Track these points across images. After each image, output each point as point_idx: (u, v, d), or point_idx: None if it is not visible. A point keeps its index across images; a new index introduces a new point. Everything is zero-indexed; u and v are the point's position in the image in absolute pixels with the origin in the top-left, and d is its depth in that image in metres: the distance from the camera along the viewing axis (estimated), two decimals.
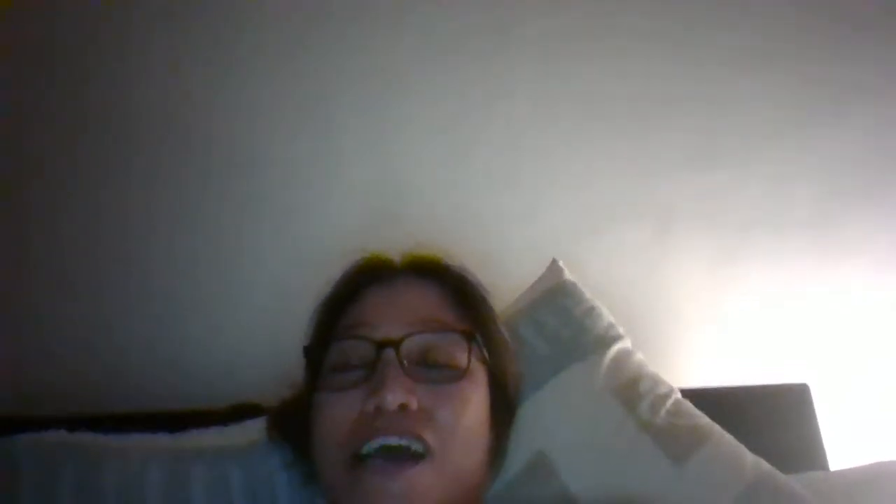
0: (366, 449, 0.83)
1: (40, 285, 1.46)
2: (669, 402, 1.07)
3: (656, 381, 1.10)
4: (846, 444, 1.34)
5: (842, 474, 1.14)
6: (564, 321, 1.13)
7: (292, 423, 0.98)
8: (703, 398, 1.11)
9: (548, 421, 1.06)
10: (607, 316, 1.15)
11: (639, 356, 1.14)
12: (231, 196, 1.49)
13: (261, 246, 1.48)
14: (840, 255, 1.47)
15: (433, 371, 0.89)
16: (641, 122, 1.50)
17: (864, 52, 1.50)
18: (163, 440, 1.09)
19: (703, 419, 1.07)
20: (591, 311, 1.14)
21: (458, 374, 0.89)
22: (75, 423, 1.10)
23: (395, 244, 1.02)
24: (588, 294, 1.16)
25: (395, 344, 0.87)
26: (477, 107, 1.51)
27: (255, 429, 1.07)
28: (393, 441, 0.83)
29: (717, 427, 1.05)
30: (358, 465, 0.83)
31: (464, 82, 1.51)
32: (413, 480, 0.82)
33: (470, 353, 0.90)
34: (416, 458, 0.83)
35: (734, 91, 1.50)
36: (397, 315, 0.91)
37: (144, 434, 1.10)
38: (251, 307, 1.45)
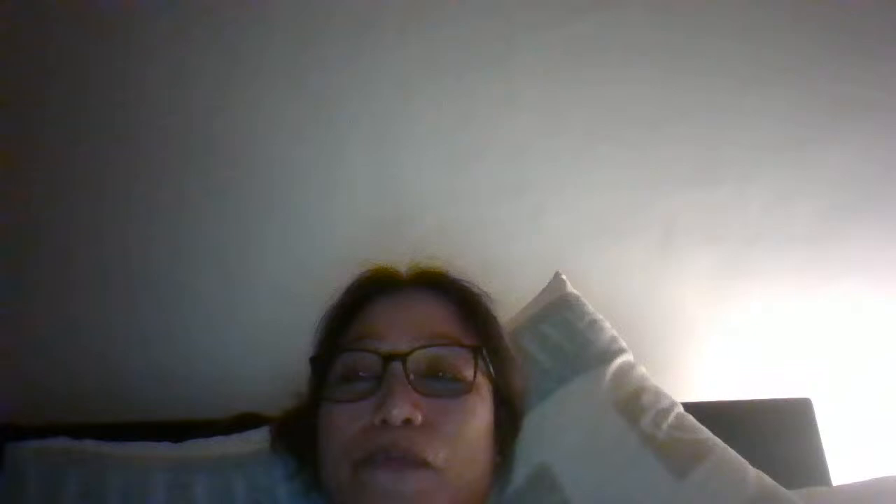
0: (371, 457, 0.84)
1: (42, 295, 1.46)
2: (672, 416, 1.07)
3: (658, 394, 1.10)
4: (848, 458, 1.34)
5: (844, 489, 1.13)
6: (567, 334, 1.13)
7: (296, 433, 0.99)
8: (706, 412, 1.11)
9: (550, 433, 1.06)
10: (610, 329, 1.16)
11: (641, 369, 1.14)
12: (234, 202, 1.49)
13: (263, 254, 1.48)
14: (842, 269, 1.48)
15: (439, 384, 0.89)
16: (645, 134, 1.50)
17: (865, 69, 1.50)
18: (166, 449, 1.09)
19: (705, 433, 1.07)
20: (593, 324, 1.15)
21: (464, 388, 0.90)
22: (79, 431, 1.11)
23: (398, 252, 1.02)
24: (591, 307, 1.17)
25: (402, 357, 0.87)
26: (482, 115, 1.51)
27: (257, 439, 1.08)
28: (398, 454, 0.84)
29: (719, 441, 1.06)
30: (364, 467, 0.84)
31: (469, 91, 1.51)
32: (421, 483, 0.83)
33: (476, 367, 0.91)
34: (424, 467, 0.84)
35: (737, 106, 1.50)
36: (404, 328, 0.92)
37: (148, 443, 1.10)
38: (254, 316, 1.45)
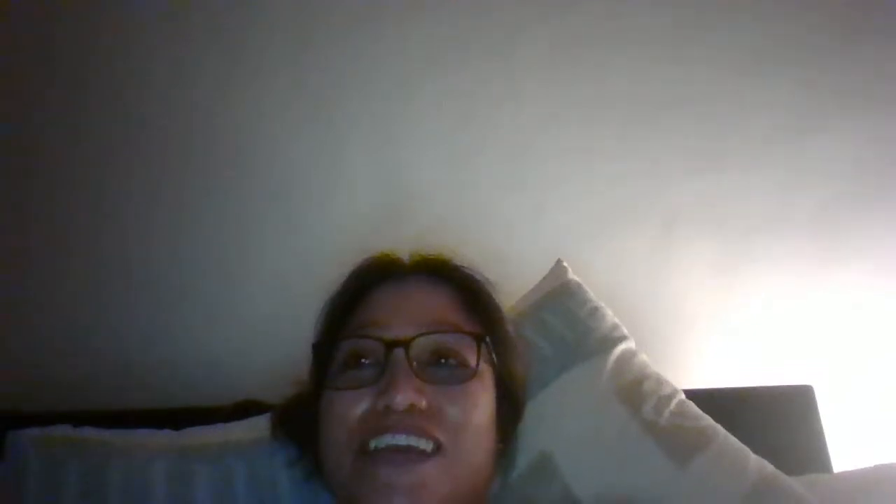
0: (374, 444, 0.84)
1: (43, 285, 1.46)
2: (673, 403, 1.07)
3: (660, 381, 1.10)
4: (850, 446, 1.34)
5: (845, 476, 1.13)
6: (568, 321, 1.13)
7: (297, 420, 0.98)
8: (707, 399, 1.11)
9: (551, 421, 1.06)
10: (611, 316, 1.16)
11: (643, 357, 1.14)
12: (234, 194, 1.49)
13: (264, 244, 1.48)
14: (843, 258, 1.48)
15: (442, 371, 0.89)
16: (646, 125, 1.51)
17: (867, 58, 1.50)
18: (167, 437, 1.09)
19: (707, 420, 1.07)
20: (594, 311, 1.15)
21: (467, 375, 0.89)
22: (80, 419, 1.11)
23: (400, 246, 1.02)
24: (592, 294, 1.17)
25: (406, 344, 0.87)
26: (483, 109, 1.52)
27: (258, 426, 1.07)
28: (401, 440, 0.84)
29: (720, 428, 1.05)
30: (366, 457, 0.84)
31: (470, 85, 1.51)
32: (422, 474, 0.83)
33: (479, 354, 0.91)
34: (426, 454, 0.84)
35: (738, 95, 1.50)
36: (407, 315, 0.92)
37: (149, 430, 1.10)
38: (255, 304, 1.45)
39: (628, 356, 1.12)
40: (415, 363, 0.87)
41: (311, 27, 1.52)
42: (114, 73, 1.51)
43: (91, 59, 1.51)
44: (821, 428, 1.25)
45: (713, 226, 1.49)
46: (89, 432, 1.08)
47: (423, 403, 0.85)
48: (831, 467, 1.22)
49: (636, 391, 1.08)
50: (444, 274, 0.99)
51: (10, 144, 1.49)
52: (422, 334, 0.89)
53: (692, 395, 1.11)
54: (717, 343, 1.47)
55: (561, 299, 1.15)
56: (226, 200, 1.49)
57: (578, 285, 1.17)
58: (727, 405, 1.14)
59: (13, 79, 1.50)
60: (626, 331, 1.15)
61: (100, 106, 1.50)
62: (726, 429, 1.06)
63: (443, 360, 0.90)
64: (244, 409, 1.14)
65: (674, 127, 1.50)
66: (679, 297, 1.47)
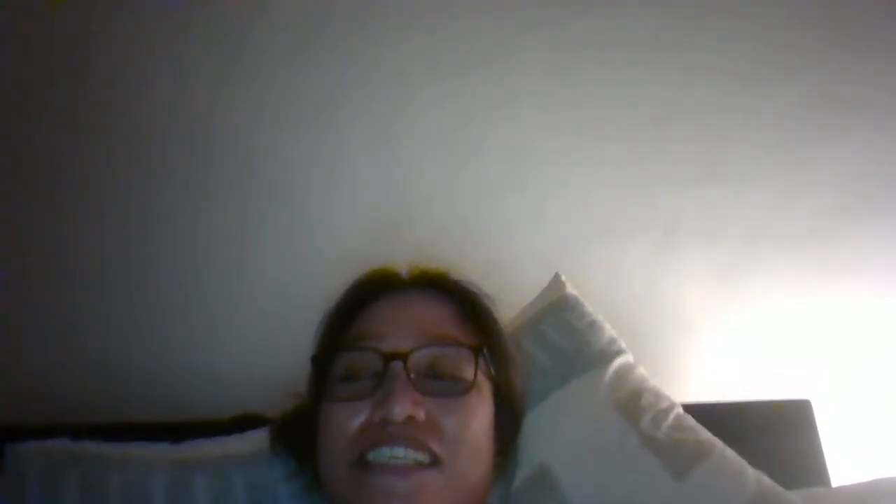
0: (371, 457, 0.84)
1: (42, 295, 1.46)
2: (671, 417, 1.08)
3: (658, 395, 1.11)
4: (847, 459, 1.34)
5: (843, 490, 1.14)
6: (567, 335, 1.13)
7: (296, 433, 0.98)
8: (705, 413, 1.11)
9: (550, 434, 1.06)
10: (609, 330, 1.16)
11: (640, 370, 1.14)
12: (234, 202, 1.49)
13: (264, 254, 1.48)
14: (843, 269, 1.48)
15: (440, 384, 0.89)
16: (646, 133, 1.50)
17: (866, 68, 1.50)
18: (166, 449, 1.09)
19: (705, 434, 1.07)
20: (593, 324, 1.15)
21: (465, 387, 0.89)
22: (79, 431, 1.10)
23: (399, 250, 1.02)
24: (590, 308, 1.17)
25: (404, 357, 0.87)
26: (483, 113, 1.51)
27: (257, 439, 1.08)
28: (399, 453, 0.83)
29: (718, 442, 1.06)
30: (364, 469, 0.84)
31: (470, 88, 1.51)
32: (421, 482, 0.83)
33: (477, 367, 0.90)
34: (424, 465, 0.84)
35: (738, 105, 1.50)
36: (406, 328, 0.91)
37: (148, 443, 1.10)
38: (254, 317, 1.45)
39: (626, 369, 1.12)
40: (412, 375, 0.87)
41: (311, 27, 1.52)
42: (114, 73, 1.50)
43: (91, 59, 1.50)
44: (819, 442, 1.25)
45: (712, 235, 1.49)
46: (88, 445, 1.08)
47: (422, 415, 0.85)
48: (829, 481, 1.23)
49: (634, 404, 1.08)
50: (442, 287, 0.99)
51: (10, 144, 1.49)
52: (420, 347, 0.89)
53: (690, 408, 1.11)
54: (715, 351, 1.47)
55: (559, 312, 1.15)
56: (225, 202, 1.49)
57: (576, 299, 1.17)
58: (725, 419, 1.14)
59: (13, 79, 1.49)
60: (623, 344, 1.15)
61: (100, 107, 1.49)
62: (724, 443, 1.06)
63: (440, 373, 0.90)
64: (243, 423, 1.14)
65: (674, 135, 1.50)
66: (677, 306, 1.47)
